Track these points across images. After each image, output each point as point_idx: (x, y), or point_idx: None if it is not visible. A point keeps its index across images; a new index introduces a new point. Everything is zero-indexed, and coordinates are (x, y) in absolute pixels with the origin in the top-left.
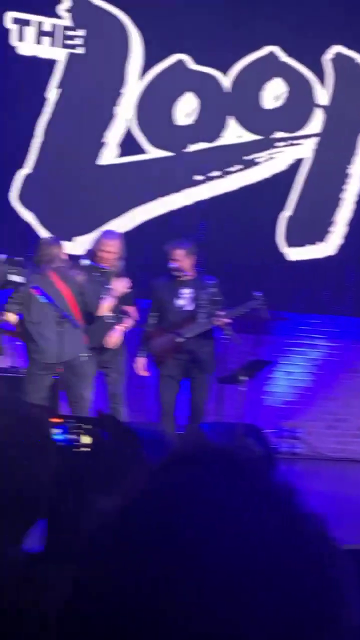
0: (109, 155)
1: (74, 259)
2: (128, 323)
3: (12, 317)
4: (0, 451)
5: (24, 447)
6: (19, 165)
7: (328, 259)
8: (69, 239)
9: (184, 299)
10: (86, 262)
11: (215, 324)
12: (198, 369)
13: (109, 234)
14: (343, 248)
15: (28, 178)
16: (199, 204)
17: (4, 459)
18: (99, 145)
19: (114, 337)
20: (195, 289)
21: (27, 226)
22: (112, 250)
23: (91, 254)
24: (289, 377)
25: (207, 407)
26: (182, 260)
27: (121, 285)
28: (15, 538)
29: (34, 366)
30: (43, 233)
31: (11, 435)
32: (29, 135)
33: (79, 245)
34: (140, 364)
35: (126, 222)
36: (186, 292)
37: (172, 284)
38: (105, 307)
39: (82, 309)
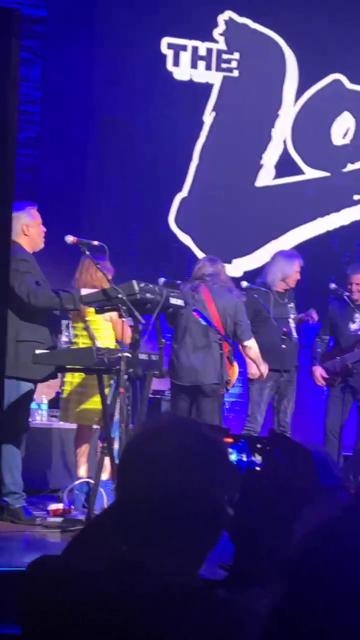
0: (266, 176)
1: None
2: None
3: None
4: (183, 472)
5: (207, 468)
6: (177, 189)
7: None
8: (229, 261)
9: (357, 322)
10: (245, 283)
11: None
12: None
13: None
14: None
15: (185, 201)
16: (356, 224)
17: (187, 479)
18: (256, 167)
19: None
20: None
21: (186, 249)
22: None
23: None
24: None
25: None
26: None
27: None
28: (196, 562)
29: (172, 387)
30: (201, 256)
31: (193, 456)
32: (187, 159)
33: (238, 267)
34: (319, 373)
35: (285, 243)
36: (357, 315)
37: (347, 307)
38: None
39: (230, 330)
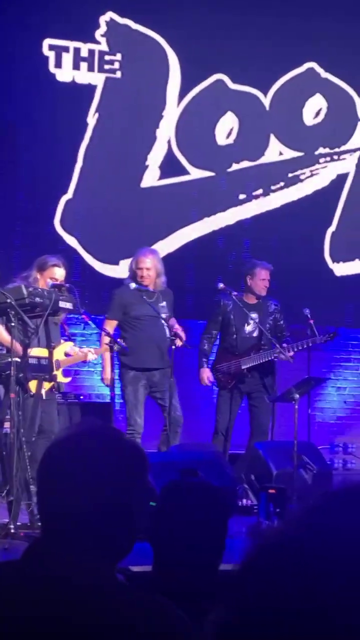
0: (151, 177)
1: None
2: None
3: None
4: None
5: (126, 476)
6: (62, 191)
7: None
8: (116, 263)
9: (252, 324)
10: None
11: (280, 358)
12: (261, 391)
13: (141, 251)
14: None
15: (70, 203)
16: (242, 223)
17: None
18: (141, 167)
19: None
20: (260, 313)
21: (73, 251)
22: (147, 267)
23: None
24: (340, 392)
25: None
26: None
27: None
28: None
29: None
30: (87, 257)
31: (113, 464)
32: (71, 161)
33: (125, 268)
34: (205, 375)
35: (171, 243)
36: (254, 316)
37: (241, 308)
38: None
39: None
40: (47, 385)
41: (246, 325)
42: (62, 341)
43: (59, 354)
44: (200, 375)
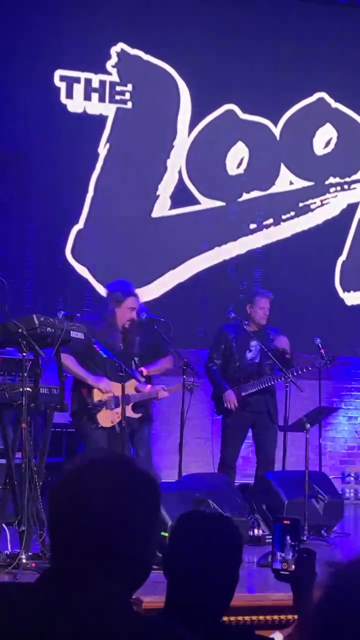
0: (162, 207)
1: None
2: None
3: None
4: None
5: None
6: (74, 221)
7: None
8: None
9: (253, 351)
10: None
11: (283, 381)
12: (265, 419)
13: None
14: None
15: (82, 233)
16: (252, 253)
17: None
18: (152, 197)
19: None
20: (260, 340)
21: (84, 281)
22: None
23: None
24: (351, 422)
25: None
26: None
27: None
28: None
29: None
30: (98, 287)
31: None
32: (82, 191)
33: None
34: (232, 398)
35: (182, 273)
36: (253, 344)
37: (243, 335)
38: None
39: None
40: (116, 419)
41: (247, 352)
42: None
43: (129, 388)
44: (226, 398)
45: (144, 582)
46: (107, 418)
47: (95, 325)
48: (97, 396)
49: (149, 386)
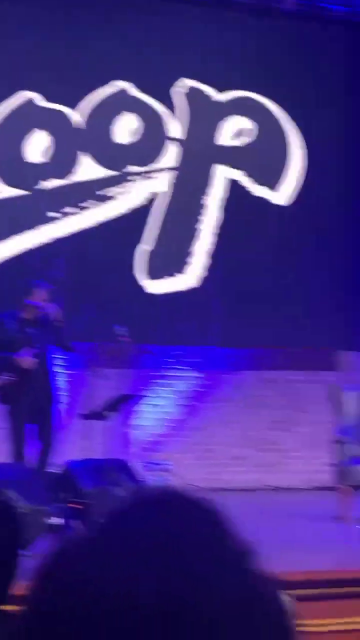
0: None
1: None
2: None
3: None
4: None
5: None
6: None
7: (193, 290)
8: None
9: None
10: None
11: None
12: (41, 404)
13: None
14: (208, 280)
15: None
16: (56, 242)
17: None
18: None
19: None
20: (41, 327)
21: None
22: None
23: None
24: (156, 409)
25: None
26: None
27: None
28: None
29: None
30: None
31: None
32: None
33: None
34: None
35: None
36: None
37: (22, 324)
38: None
39: None
40: None
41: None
42: None
43: None
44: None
45: None
46: None
47: None
48: None
49: None
